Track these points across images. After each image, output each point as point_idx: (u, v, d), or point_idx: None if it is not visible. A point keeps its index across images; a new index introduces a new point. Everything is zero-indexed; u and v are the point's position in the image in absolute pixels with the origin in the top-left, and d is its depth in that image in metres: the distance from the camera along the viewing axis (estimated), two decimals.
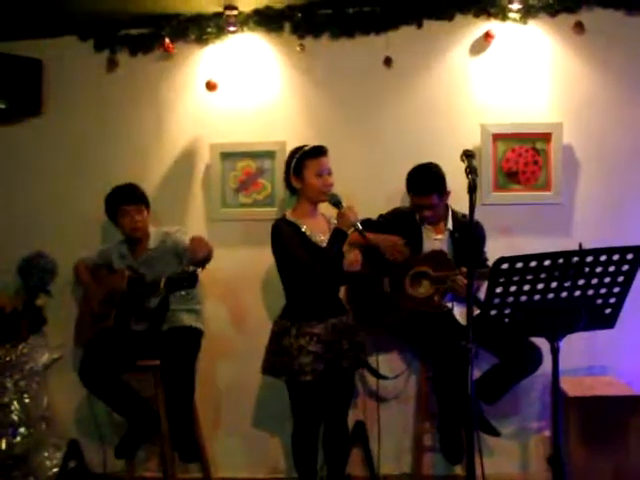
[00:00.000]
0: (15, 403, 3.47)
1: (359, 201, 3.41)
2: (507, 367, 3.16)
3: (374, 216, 3.46)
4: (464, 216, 3.33)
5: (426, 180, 3.28)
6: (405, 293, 3.27)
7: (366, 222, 3.22)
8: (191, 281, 3.13)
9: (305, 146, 3.00)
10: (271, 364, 2.99)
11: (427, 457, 3.54)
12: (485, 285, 3.08)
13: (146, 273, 3.33)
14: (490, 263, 3.22)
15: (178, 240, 3.39)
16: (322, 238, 2.98)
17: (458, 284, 3.14)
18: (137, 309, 3.36)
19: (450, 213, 3.36)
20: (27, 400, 3.53)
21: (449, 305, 3.27)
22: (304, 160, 2.95)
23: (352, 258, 2.97)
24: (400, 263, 3.23)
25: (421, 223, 3.36)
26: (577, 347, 3.20)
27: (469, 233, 3.00)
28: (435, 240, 3.35)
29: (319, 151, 2.98)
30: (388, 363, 3.60)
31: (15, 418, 3.46)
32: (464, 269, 3.14)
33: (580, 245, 2.92)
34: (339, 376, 3.00)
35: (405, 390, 3.65)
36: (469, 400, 2.38)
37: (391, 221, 3.44)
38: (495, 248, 3.24)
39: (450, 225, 3.35)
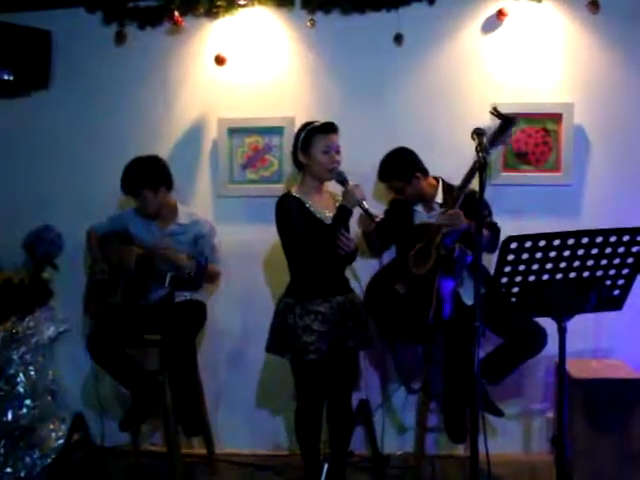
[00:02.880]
0: (21, 375, 3.49)
1: (367, 179, 3.42)
2: (512, 347, 3.15)
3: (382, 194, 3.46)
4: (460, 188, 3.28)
5: (381, 168, 3.33)
6: (418, 276, 3.21)
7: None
8: (195, 284, 3.17)
9: (316, 122, 2.97)
10: (275, 342, 2.99)
11: (430, 436, 3.56)
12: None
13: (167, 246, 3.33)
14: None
15: (205, 237, 3.44)
16: (327, 214, 2.96)
17: (449, 221, 3.05)
18: (142, 290, 3.37)
19: (440, 188, 3.32)
20: (33, 373, 3.56)
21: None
22: (313, 135, 2.92)
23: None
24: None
25: (412, 205, 3.35)
26: (583, 329, 3.19)
27: (472, 205, 2.98)
28: (430, 219, 3.30)
29: (329, 128, 2.94)
30: None
31: (21, 390, 3.48)
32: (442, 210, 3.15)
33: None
34: (344, 355, 3.00)
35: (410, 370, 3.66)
36: (475, 379, 2.38)
37: (388, 213, 3.47)
38: (503, 229, 3.22)
39: (439, 199, 3.30)
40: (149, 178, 3.34)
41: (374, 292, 3.29)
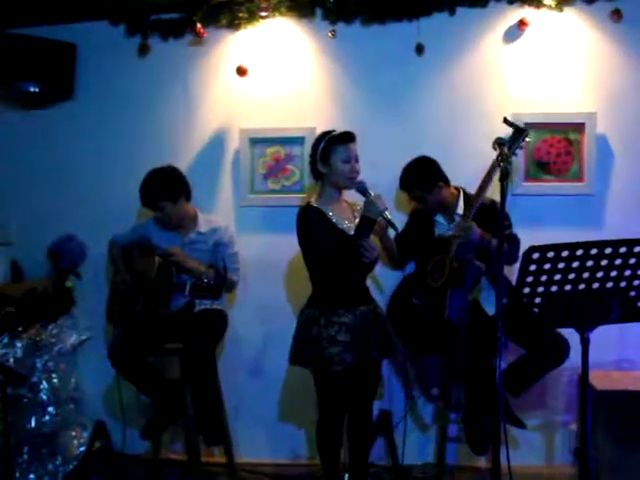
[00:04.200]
0: (44, 383, 3.52)
1: (389, 189, 3.42)
2: (534, 359, 3.13)
3: (403, 204, 3.46)
4: (475, 196, 3.26)
5: (402, 177, 3.32)
6: (435, 289, 3.19)
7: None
8: (215, 292, 3.16)
9: (333, 131, 2.97)
10: (299, 354, 2.96)
11: (451, 447, 3.53)
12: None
13: (172, 252, 3.34)
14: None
15: (224, 244, 3.43)
16: (348, 224, 2.96)
17: (460, 232, 3.07)
18: (163, 299, 3.39)
19: (462, 198, 3.31)
20: (55, 380, 3.58)
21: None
22: (332, 145, 2.91)
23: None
24: None
25: (433, 215, 3.35)
26: (607, 340, 3.14)
27: (492, 217, 3.03)
28: (448, 231, 3.29)
29: (348, 137, 2.93)
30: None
31: (44, 397, 3.51)
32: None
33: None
34: (367, 366, 2.98)
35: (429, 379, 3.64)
36: (496, 391, 2.37)
37: (409, 224, 3.46)
38: (525, 239, 3.18)
39: (460, 210, 3.29)
40: (167, 190, 3.35)
41: (395, 304, 3.29)
